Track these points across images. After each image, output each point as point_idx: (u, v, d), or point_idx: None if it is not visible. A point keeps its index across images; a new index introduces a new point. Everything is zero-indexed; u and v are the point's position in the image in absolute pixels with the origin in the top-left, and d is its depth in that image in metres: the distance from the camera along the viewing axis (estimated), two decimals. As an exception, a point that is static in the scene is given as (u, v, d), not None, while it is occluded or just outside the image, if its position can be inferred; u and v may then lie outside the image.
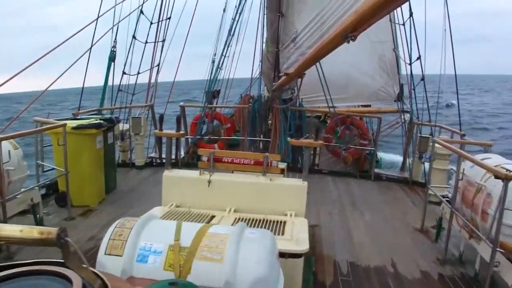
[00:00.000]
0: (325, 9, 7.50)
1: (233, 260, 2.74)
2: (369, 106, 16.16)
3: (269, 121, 12.16)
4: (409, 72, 12.79)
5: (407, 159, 12.16)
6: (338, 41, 5.74)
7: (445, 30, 11.08)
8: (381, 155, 18.21)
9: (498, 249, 5.03)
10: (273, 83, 11.49)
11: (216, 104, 14.47)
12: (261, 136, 12.27)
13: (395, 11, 12.56)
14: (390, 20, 12.89)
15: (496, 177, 5.04)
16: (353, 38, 5.35)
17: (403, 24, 12.45)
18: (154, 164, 11.87)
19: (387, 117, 14.92)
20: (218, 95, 15.01)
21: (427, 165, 10.00)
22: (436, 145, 8.07)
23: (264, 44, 12.84)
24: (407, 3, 12.13)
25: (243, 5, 14.55)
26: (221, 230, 3.05)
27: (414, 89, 12.34)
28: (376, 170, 12.03)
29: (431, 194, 7.96)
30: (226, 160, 5.87)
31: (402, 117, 13.22)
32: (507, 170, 5.38)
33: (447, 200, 6.92)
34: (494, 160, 6.22)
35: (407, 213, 8.83)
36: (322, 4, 7.65)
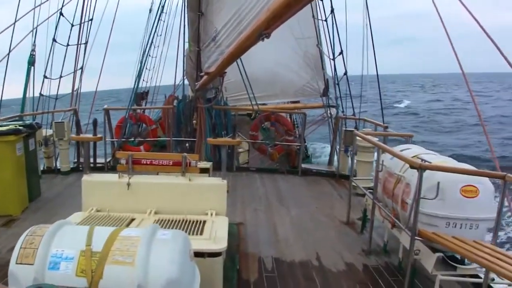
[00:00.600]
0: (242, 7, 7.52)
1: (144, 262, 2.72)
2: (298, 102, 16.31)
3: (194, 121, 12.04)
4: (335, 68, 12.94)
5: (334, 153, 12.32)
6: (254, 39, 5.73)
7: (367, 31, 11.35)
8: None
9: (416, 237, 5.13)
10: (196, 83, 11.42)
11: (145, 105, 14.27)
12: (187, 136, 12.15)
13: (317, 7, 12.74)
14: (313, 16, 13.03)
15: (412, 167, 5.14)
16: (267, 35, 5.35)
17: (325, 20, 12.62)
18: (81, 169, 11.55)
19: (318, 112, 15.09)
20: (147, 96, 14.79)
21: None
22: (358, 138, 8.19)
23: (186, 44, 12.74)
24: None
25: (163, 4, 14.37)
26: (133, 233, 3.02)
27: (338, 84, 12.53)
28: (305, 165, 12.12)
29: (357, 186, 8.08)
30: (145, 162, 5.76)
31: (329, 111, 13.40)
32: (422, 160, 5.51)
33: (370, 192, 7.02)
34: (413, 150, 6.36)
35: (334, 206, 8.93)
36: (240, 2, 7.66)
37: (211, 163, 6.81)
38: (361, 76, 12.24)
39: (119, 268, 2.71)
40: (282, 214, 8.40)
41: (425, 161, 5.45)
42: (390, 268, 6.17)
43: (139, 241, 2.87)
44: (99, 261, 2.73)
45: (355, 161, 9.70)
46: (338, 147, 11.82)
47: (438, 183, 4.96)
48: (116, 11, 14.27)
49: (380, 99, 11.45)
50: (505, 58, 5.31)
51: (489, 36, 5.46)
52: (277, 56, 13.91)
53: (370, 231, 6.82)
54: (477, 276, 5.26)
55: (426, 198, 5.02)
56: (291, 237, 7.26)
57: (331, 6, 12.30)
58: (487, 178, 5.17)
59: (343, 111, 12.31)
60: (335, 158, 12.21)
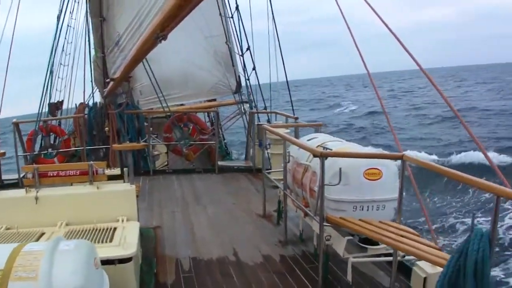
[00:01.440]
0: (141, 9, 7.45)
1: (47, 276, 2.68)
2: (215, 100, 16.31)
3: (106, 128, 11.84)
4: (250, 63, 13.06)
5: (250, 148, 12.42)
6: (151, 42, 5.71)
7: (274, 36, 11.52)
8: None
9: (325, 223, 5.26)
10: (104, 89, 11.25)
11: (61, 115, 13.87)
12: (101, 144, 11.94)
13: (224, 4, 12.81)
14: (220, 14, 13.08)
15: (314, 155, 5.27)
16: (163, 37, 5.34)
17: (231, 17, 12.71)
18: None
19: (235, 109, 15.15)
20: (62, 106, 14.39)
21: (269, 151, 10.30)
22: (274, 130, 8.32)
23: (93, 51, 12.51)
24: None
25: (65, 10, 13.96)
26: (35, 247, 2.97)
27: (248, 79, 12.67)
28: (222, 163, 12.18)
29: (274, 179, 8.18)
30: (51, 174, 5.63)
31: (242, 107, 13.50)
32: (325, 148, 5.66)
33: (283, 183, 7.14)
34: (320, 139, 6.50)
35: (251, 201, 9.03)
36: (139, 4, 7.58)
37: (126, 168, 6.74)
38: (269, 84, 12.46)
39: (22, 284, 2.66)
40: (199, 213, 8.42)
41: (327, 148, 5.60)
42: (307, 256, 6.31)
43: (42, 255, 2.82)
44: (2, 279, 2.68)
45: (269, 154, 9.86)
46: (252, 141, 11.92)
47: (340, 168, 5.10)
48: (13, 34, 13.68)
49: (289, 93, 11.60)
50: (411, 56, 5.53)
51: (394, 35, 5.67)
52: (189, 56, 13.86)
53: (284, 221, 6.95)
54: (390, 255, 5.45)
55: (329, 185, 5.15)
56: (208, 236, 7.29)
57: (236, 3, 12.46)
58: (390, 160, 5.37)
59: (255, 106, 12.45)
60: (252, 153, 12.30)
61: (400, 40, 5.67)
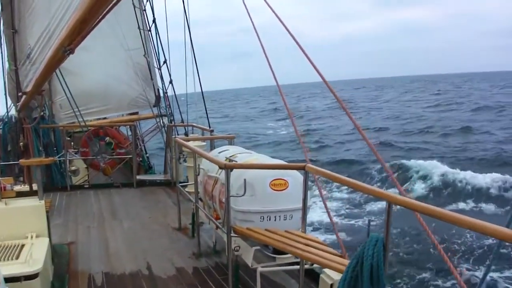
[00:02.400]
0: (51, 22, 7.34)
1: None
2: (137, 113, 16.17)
3: (21, 143, 11.54)
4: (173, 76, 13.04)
5: (168, 161, 12.40)
6: (60, 55, 5.62)
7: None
8: None
9: (232, 234, 5.35)
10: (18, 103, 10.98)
11: None
12: (16, 159, 11.62)
13: (142, 17, 12.76)
14: (139, 27, 13.01)
15: (220, 167, 5.37)
16: (71, 51, 5.29)
17: (149, 30, 12.69)
18: None
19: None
20: None
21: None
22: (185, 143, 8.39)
23: (7, 63, 12.19)
24: (151, 10, 12.49)
25: None
26: None
27: (166, 93, 12.68)
28: (140, 177, 12.08)
29: (188, 191, 8.19)
30: None
31: (161, 121, 13.47)
32: (230, 160, 5.76)
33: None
34: (230, 151, 6.62)
35: (167, 214, 9.03)
36: (48, 17, 7.47)
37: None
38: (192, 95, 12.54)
39: None
40: (114, 228, 8.35)
41: (233, 160, 5.72)
42: (220, 267, 6.38)
43: None
44: None
45: (185, 166, 9.91)
46: (170, 154, 11.92)
47: (245, 180, 5.20)
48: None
49: (205, 106, 11.69)
50: (315, 69, 5.71)
51: (300, 48, 5.85)
52: (110, 69, 13.73)
53: (197, 234, 7.02)
54: (298, 263, 5.58)
55: (235, 196, 5.25)
56: (122, 250, 7.25)
57: (153, 16, 12.47)
58: (296, 171, 5.52)
59: (173, 119, 12.50)
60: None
61: (306, 53, 5.85)
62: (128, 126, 15.08)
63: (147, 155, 16.52)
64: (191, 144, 8.57)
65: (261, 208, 5.42)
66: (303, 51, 5.92)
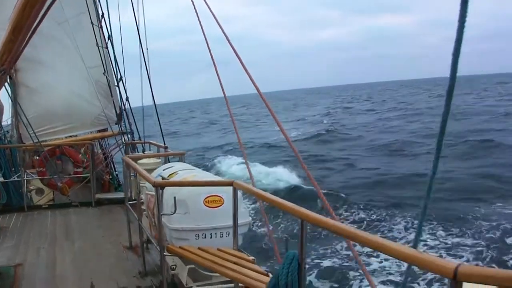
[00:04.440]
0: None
1: None
2: (106, 130, 16.00)
3: None
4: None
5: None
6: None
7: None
8: None
9: (165, 253, 5.23)
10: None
11: None
12: None
13: (100, 34, 12.66)
14: (97, 45, 12.89)
15: (153, 185, 5.25)
16: (4, 71, 5.18)
17: (107, 47, 12.58)
18: None
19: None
20: None
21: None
22: (139, 162, 8.27)
23: None
24: (106, 27, 12.41)
25: None
26: None
27: (125, 110, 12.56)
28: (99, 195, 11.88)
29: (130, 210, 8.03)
30: None
31: (122, 138, 13.33)
32: (163, 178, 5.66)
33: (145, 214, 7.06)
34: (175, 167, 6.52)
35: (121, 233, 8.83)
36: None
37: None
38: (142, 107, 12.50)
39: None
40: (65, 249, 8.15)
41: (165, 178, 5.61)
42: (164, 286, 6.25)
43: None
44: None
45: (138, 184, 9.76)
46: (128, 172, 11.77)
47: (175, 198, 5.09)
48: None
49: (159, 121, 11.58)
50: (252, 81, 5.65)
51: (239, 59, 5.80)
52: (73, 87, 13.62)
53: (142, 252, 6.87)
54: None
55: (165, 214, 5.14)
56: (68, 271, 7.07)
57: (108, 33, 12.40)
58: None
59: (132, 137, 12.40)
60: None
61: (244, 64, 5.79)
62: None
63: (116, 172, 16.31)
64: (144, 161, 8.49)
65: (195, 225, 5.31)
66: (240, 61, 5.84)
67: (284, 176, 25.26)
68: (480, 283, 1.80)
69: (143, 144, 11.58)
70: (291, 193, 21.43)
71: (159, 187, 5.03)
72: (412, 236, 15.51)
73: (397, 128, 44.93)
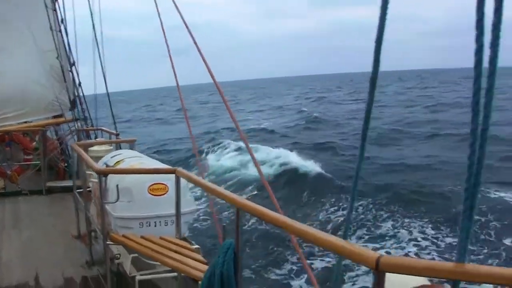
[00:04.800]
0: None
1: None
2: (61, 116, 15.64)
3: None
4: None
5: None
6: None
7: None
8: None
9: (108, 242, 5.16)
10: None
11: None
12: None
13: (54, 17, 12.38)
14: (51, 28, 12.59)
15: (96, 172, 5.16)
16: None
17: (60, 31, 12.31)
18: None
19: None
20: None
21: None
22: (90, 149, 8.15)
23: None
24: (59, 9, 12.12)
25: None
26: None
27: (78, 96, 12.33)
28: (51, 183, 11.61)
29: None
30: None
31: (76, 125, 13.05)
32: (107, 165, 5.56)
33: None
34: (122, 155, 6.43)
35: (72, 222, 8.68)
36: None
37: None
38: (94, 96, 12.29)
39: None
40: (13, 238, 7.98)
41: (108, 165, 5.52)
42: (111, 276, 6.15)
43: None
44: None
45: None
46: None
47: (117, 186, 5.01)
48: None
49: (111, 109, 11.42)
50: (209, 70, 5.59)
51: (198, 48, 5.74)
52: (27, 72, 13.20)
53: (89, 241, 6.75)
54: None
55: (108, 202, 5.06)
56: (14, 261, 6.92)
57: (61, 15, 12.14)
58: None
59: (85, 124, 12.20)
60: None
61: (202, 53, 5.74)
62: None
63: (71, 160, 15.99)
64: (95, 148, 8.35)
65: (139, 214, 5.25)
66: (198, 49, 5.78)
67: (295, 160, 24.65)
68: (402, 273, 1.79)
69: (95, 131, 11.40)
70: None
71: (102, 174, 4.94)
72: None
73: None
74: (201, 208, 16.20)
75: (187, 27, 6.38)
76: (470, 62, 1.47)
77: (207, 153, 30.20)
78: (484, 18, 1.45)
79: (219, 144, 32.37)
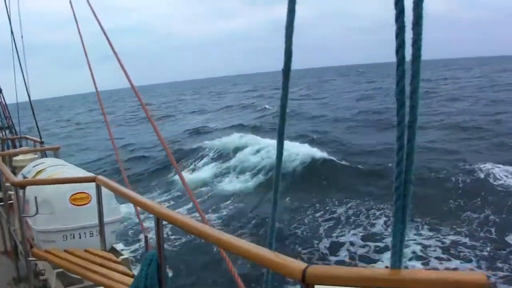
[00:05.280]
0: None
1: None
2: None
3: None
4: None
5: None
6: None
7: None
8: None
9: (30, 258, 4.88)
10: None
11: None
12: None
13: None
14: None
15: (11, 184, 4.89)
16: None
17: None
18: None
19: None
20: None
21: None
22: (15, 158, 7.84)
23: None
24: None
25: None
26: None
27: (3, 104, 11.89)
28: None
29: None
30: None
31: (2, 134, 12.54)
32: (26, 176, 5.28)
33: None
34: (46, 163, 6.14)
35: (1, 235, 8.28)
36: None
37: None
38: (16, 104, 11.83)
39: None
40: None
41: (26, 176, 5.25)
42: None
43: None
44: None
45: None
46: None
47: (35, 198, 4.74)
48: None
49: (34, 116, 11.02)
50: (126, 74, 5.38)
51: (116, 55, 5.53)
52: None
53: (14, 257, 6.41)
54: None
55: (26, 216, 4.79)
56: None
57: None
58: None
59: (11, 132, 11.75)
60: None
61: (120, 60, 5.55)
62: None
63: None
64: (20, 157, 8.03)
65: (61, 226, 4.98)
66: (116, 55, 5.60)
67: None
68: (332, 285, 1.67)
69: (19, 140, 10.95)
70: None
71: (19, 186, 4.66)
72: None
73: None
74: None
75: (104, 33, 6.17)
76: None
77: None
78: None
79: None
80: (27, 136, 10.55)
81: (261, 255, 2.05)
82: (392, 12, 1.38)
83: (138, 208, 5.33)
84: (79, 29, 6.82)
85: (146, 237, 3.83)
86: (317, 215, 16.20)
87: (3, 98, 11.97)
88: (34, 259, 4.92)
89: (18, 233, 6.11)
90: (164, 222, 3.00)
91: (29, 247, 5.58)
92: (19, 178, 5.20)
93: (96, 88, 6.36)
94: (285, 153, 2.08)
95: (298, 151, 22.35)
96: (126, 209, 11.02)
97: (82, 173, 5.61)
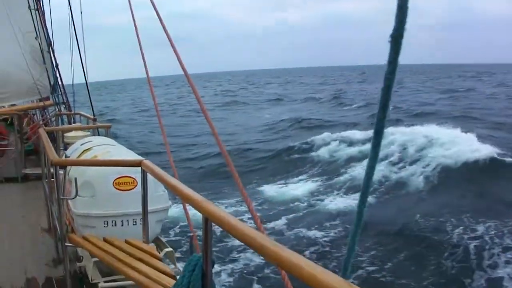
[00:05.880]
0: None
1: None
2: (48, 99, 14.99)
3: None
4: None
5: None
6: None
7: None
8: None
9: (66, 243, 4.51)
10: None
11: None
12: None
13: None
14: (29, 7, 11.90)
15: (50, 163, 4.51)
16: None
17: (37, 10, 11.64)
18: None
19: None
20: None
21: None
22: (66, 134, 7.58)
23: None
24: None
25: None
26: None
27: (57, 79, 11.70)
28: (30, 170, 10.95)
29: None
30: None
31: (56, 109, 12.41)
32: (66, 156, 4.92)
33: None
34: (93, 142, 5.81)
35: (44, 213, 8.02)
36: None
37: None
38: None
39: None
40: None
41: (68, 156, 4.87)
42: (80, 276, 5.51)
43: None
44: None
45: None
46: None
47: (75, 179, 4.34)
48: None
49: (89, 94, 10.78)
50: (180, 62, 5.02)
51: (171, 41, 5.20)
52: (8, 54, 12.57)
53: (55, 237, 6.09)
54: None
55: (64, 198, 4.40)
56: None
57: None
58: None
59: (63, 107, 11.57)
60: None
61: (175, 46, 5.20)
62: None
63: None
64: (71, 134, 7.76)
65: (103, 211, 4.58)
66: (172, 44, 5.22)
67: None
68: None
69: (73, 116, 10.74)
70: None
71: (58, 166, 4.27)
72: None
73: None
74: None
75: (160, 20, 5.78)
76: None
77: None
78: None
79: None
80: (81, 112, 10.35)
81: (329, 284, 1.49)
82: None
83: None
84: (133, 14, 6.45)
85: (192, 236, 3.36)
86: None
87: (60, 74, 11.80)
88: (71, 244, 4.54)
89: (56, 215, 5.77)
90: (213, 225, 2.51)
91: (70, 230, 5.24)
92: (55, 157, 4.80)
93: (147, 73, 5.94)
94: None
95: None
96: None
97: (131, 155, 5.19)
